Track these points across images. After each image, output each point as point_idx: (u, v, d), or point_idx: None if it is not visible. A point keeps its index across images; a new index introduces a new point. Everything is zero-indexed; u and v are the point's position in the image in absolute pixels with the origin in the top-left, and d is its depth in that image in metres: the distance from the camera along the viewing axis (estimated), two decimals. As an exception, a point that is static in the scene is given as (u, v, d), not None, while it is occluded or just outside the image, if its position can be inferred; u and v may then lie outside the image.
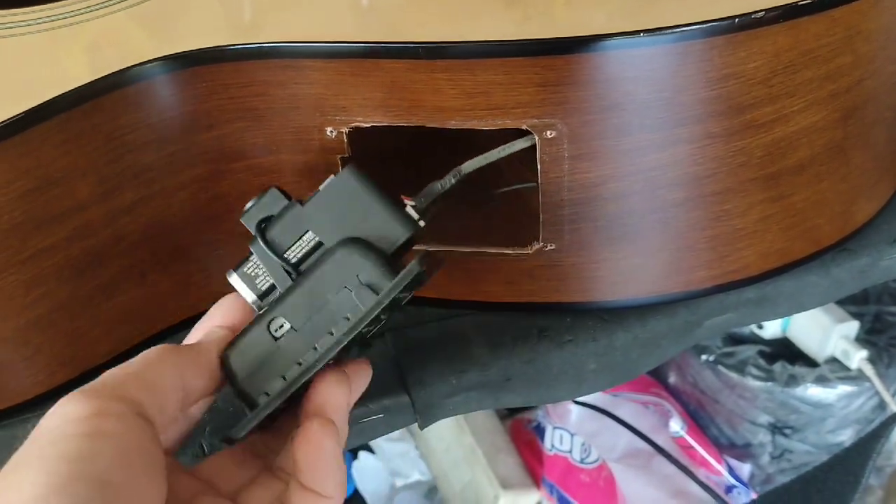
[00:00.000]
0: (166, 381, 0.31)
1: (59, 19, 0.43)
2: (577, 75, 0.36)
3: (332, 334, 0.34)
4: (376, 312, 0.33)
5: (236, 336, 0.35)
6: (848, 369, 0.82)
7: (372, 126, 0.39)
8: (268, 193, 0.37)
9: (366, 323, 0.34)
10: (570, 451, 0.90)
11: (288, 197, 0.37)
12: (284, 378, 0.34)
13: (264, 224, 0.36)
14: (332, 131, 0.40)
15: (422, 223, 0.36)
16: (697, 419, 0.92)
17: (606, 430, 0.92)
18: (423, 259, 0.33)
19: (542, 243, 0.42)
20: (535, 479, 0.96)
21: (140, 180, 0.40)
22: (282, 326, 0.34)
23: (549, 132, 0.38)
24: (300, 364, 0.34)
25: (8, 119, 0.35)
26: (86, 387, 0.30)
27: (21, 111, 0.36)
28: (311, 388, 0.33)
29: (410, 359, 0.43)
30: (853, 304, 0.86)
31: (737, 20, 0.35)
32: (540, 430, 0.96)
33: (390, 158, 0.43)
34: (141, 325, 0.44)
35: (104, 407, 0.28)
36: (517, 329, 0.45)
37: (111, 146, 0.39)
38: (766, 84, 0.38)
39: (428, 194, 0.38)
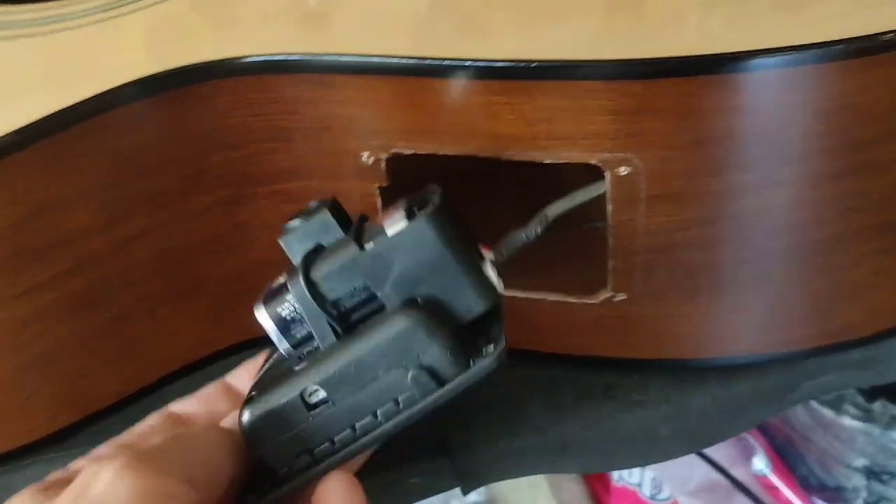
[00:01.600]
0: (224, 470, 0.29)
1: (48, 23, 0.40)
2: (659, 103, 0.31)
3: (375, 417, 0.30)
4: (433, 407, 0.29)
5: (261, 393, 0.30)
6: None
7: (414, 154, 0.35)
8: (318, 215, 0.31)
9: (418, 417, 0.29)
10: (640, 486, 0.85)
11: (342, 223, 0.31)
12: (313, 455, 0.30)
13: (311, 258, 0.31)
14: (368, 157, 0.36)
15: (501, 289, 0.31)
16: (785, 457, 0.86)
17: (681, 460, 0.87)
18: (500, 355, 0.29)
19: (610, 292, 0.37)
20: (601, 510, 0.92)
21: (151, 205, 0.37)
22: (318, 392, 0.29)
23: (622, 168, 0.33)
24: (333, 444, 0.30)
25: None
26: (147, 457, 0.26)
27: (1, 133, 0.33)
28: (320, 490, 0.29)
29: (454, 417, 0.39)
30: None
31: (860, 43, 0.30)
32: (606, 458, 0.92)
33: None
34: (153, 363, 0.41)
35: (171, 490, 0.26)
36: (578, 386, 0.41)
37: (116, 168, 0.35)
38: (889, 118, 0.32)
39: (510, 245, 0.32)
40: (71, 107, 0.34)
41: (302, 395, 0.29)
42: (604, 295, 0.37)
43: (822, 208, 0.34)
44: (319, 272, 0.30)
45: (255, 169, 0.38)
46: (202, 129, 0.36)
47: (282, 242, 0.31)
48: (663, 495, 0.82)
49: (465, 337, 0.30)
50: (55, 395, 0.39)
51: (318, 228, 0.31)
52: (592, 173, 0.34)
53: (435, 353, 0.29)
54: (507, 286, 0.38)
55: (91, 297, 0.37)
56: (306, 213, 0.31)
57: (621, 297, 0.37)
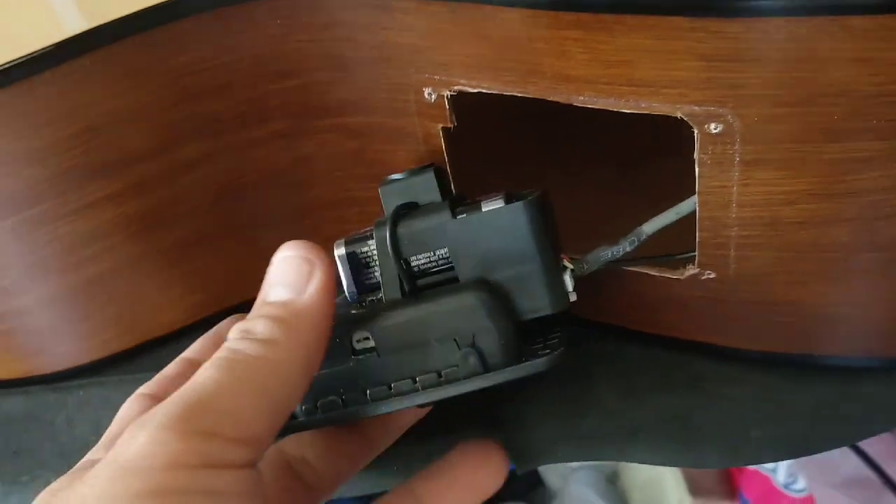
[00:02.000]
0: (294, 399, 0.26)
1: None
2: (763, 48, 0.26)
3: (414, 382, 0.29)
4: (472, 389, 0.29)
5: None
6: None
7: (479, 91, 0.31)
8: (423, 174, 0.31)
9: (455, 394, 0.29)
10: (775, 472, 0.78)
11: (443, 188, 0.31)
12: (342, 399, 0.30)
13: (402, 211, 0.31)
14: (430, 93, 0.32)
15: (573, 298, 0.30)
16: (950, 460, 0.76)
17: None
18: (552, 360, 0.28)
19: (697, 269, 0.32)
20: (733, 491, 0.85)
21: (206, 132, 0.35)
22: (367, 339, 0.29)
23: (713, 125, 0.28)
24: (366, 394, 0.30)
25: (39, 51, 0.31)
26: (187, 417, 0.23)
27: (53, 43, 0.31)
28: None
29: (511, 392, 0.36)
30: None
31: None
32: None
33: (500, 132, 0.35)
34: (212, 296, 0.40)
35: (218, 456, 0.23)
36: (661, 371, 0.36)
37: (168, 90, 0.34)
38: None
39: (594, 261, 0.31)
40: (136, 13, 0.32)
41: (351, 337, 0.29)
42: (691, 271, 0.32)
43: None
44: (407, 227, 0.30)
45: (313, 100, 0.35)
46: (255, 53, 0.33)
47: (381, 190, 0.31)
48: (799, 486, 0.75)
49: (524, 332, 0.30)
50: (110, 317, 0.38)
51: (419, 187, 0.31)
52: (684, 131, 0.29)
53: (490, 338, 0.28)
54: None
55: (148, 221, 0.36)
56: (411, 171, 0.31)
57: (710, 275, 0.32)
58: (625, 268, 0.33)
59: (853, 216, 0.29)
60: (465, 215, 0.29)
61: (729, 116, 0.27)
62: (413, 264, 0.30)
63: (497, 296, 0.29)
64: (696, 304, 0.33)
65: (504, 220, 0.29)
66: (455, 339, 0.29)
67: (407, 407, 0.29)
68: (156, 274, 0.38)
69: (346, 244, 0.31)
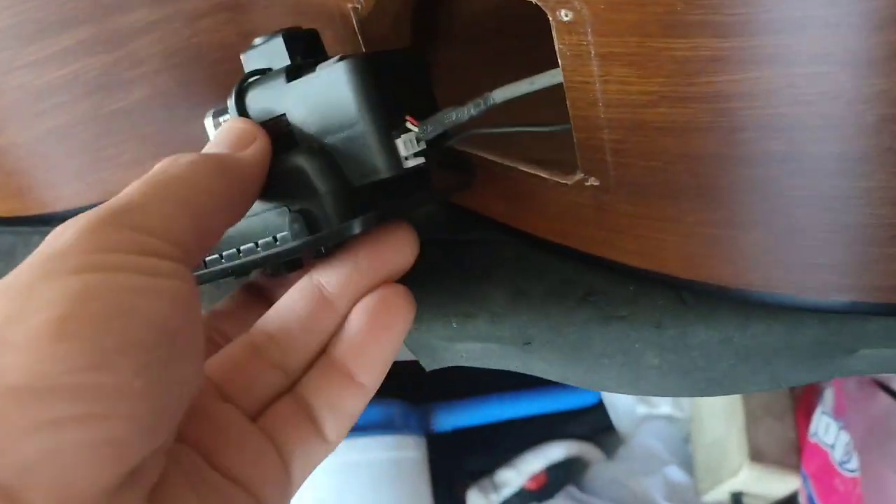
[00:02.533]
0: (215, 220, 0.27)
1: None
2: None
3: (257, 246, 0.31)
4: (298, 250, 0.30)
5: None
6: None
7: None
8: (274, 39, 0.32)
9: (289, 256, 0.30)
10: (833, 448, 0.73)
11: (294, 52, 0.32)
12: (239, 252, 0.31)
13: (251, 79, 0.32)
14: (337, -31, 0.32)
15: (412, 163, 0.30)
16: None
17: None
18: (367, 220, 0.29)
19: (581, 174, 0.31)
20: (796, 463, 0.81)
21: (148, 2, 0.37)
22: None
23: (564, 12, 0.26)
24: (221, 258, 0.32)
25: None
26: (116, 214, 0.24)
27: None
28: (372, 242, 0.31)
29: (403, 280, 0.36)
30: None
31: None
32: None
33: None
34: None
35: (150, 246, 0.24)
36: (554, 280, 0.35)
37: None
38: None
39: (437, 122, 0.31)
40: None
41: None
42: (576, 176, 0.31)
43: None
44: (253, 93, 0.32)
45: (248, -28, 0.36)
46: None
47: (242, 57, 0.33)
48: (852, 465, 0.71)
49: (355, 197, 0.30)
50: (73, 171, 0.41)
51: (272, 52, 0.32)
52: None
53: (318, 203, 0.29)
54: (485, 147, 0.34)
55: (102, 82, 0.39)
56: (267, 37, 0.32)
57: (594, 182, 0.31)
58: (521, 168, 0.33)
59: (712, 125, 0.27)
60: (298, 79, 0.30)
61: (576, 3, 0.26)
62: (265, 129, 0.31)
63: (324, 159, 0.29)
64: (587, 214, 0.32)
65: (330, 80, 0.29)
66: (287, 205, 0.29)
67: (254, 267, 0.31)
68: (113, 133, 0.41)
69: (213, 115, 0.33)
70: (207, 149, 0.30)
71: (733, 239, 0.30)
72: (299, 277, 0.32)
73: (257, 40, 0.32)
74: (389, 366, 0.31)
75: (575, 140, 0.30)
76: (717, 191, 0.29)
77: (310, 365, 0.31)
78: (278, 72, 0.31)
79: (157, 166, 0.27)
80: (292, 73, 0.30)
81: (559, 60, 0.28)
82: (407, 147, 0.30)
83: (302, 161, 0.29)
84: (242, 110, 0.32)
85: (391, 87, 0.30)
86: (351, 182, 0.30)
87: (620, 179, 0.30)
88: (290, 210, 0.30)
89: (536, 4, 0.27)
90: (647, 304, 0.34)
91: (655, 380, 0.35)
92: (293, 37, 0.32)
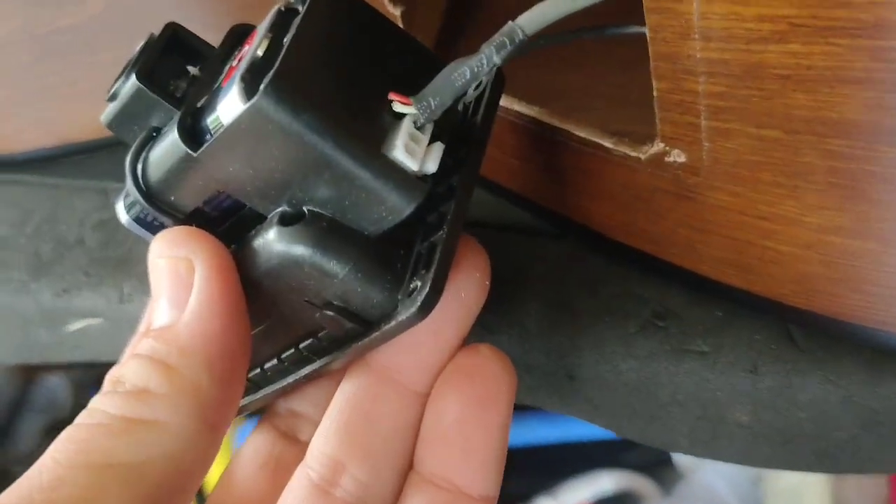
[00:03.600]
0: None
1: None
2: None
3: (300, 351, 0.24)
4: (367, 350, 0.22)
5: None
6: None
7: None
8: (127, 82, 0.22)
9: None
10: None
11: (166, 82, 0.22)
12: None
13: (138, 155, 0.22)
14: None
15: (432, 164, 0.21)
16: None
17: None
18: (431, 296, 0.20)
19: (661, 144, 0.22)
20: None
21: None
22: None
23: None
24: (265, 372, 0.25)
25: None
26: None
27: None
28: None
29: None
30: None
31: None
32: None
33: None
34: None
35: None
36: (612, 295, 0.26)
37: None
38: None
39: (441, 91, 0.21)
40: None
41: None
42: (653, 149, 0.22)
43: None
44: (154, 177, 0.22)
45: None
46: None
47: (105, 124, 0.23)
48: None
49: (383, 253, 0.21)
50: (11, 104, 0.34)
51: (140, 108, 0.22)
52: None
53: (340, 288, 0.21)
54: (521, 95, 0.25)
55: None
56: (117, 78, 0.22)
57: (678, 157, 0.22)
58: (573, 132, 0.24)
59: (869, 75, 0.17)
60: (207, 144, 0.20)
61: None
62: (203, 210, 0.22)
63: (316, 228, 0.20)
64: (664, 201, 0.23)
65: (257, 126, 0.19)
66: (307, 300, 0.21)
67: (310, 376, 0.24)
68: (54, 58, 0.33)
69: (126, 209, 0.23)
70: (152, 304, 0.22)
71: (875, 257, 0.21)
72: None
73: (113, 87, 0.22)
74: (504, 463, 0.23)
75: (655, 94, 0.21)
76: (862, 181, 0.19)
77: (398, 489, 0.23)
78: (169, 131, 0.21)
79: (93, 401, 0.20)
80: (190, 134, 0.21)
81: (638, -28, 0.19)
82: (411, 150, 0.20)
83: (283, 245, 0.20)
84: (161, 209, 0.22)
85: (342, 76, 0.20)
86: (367, 235, 0.21)
87: (718, 155, 0.21)
88: (311, 303, 0.22)
89: None
90: (738, 337, 0.24)
91: (742, 444, 0.25)
92: (152, 69, 0.22)
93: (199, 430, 0.20)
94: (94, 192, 0.34)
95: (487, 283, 0.23)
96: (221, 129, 0.20)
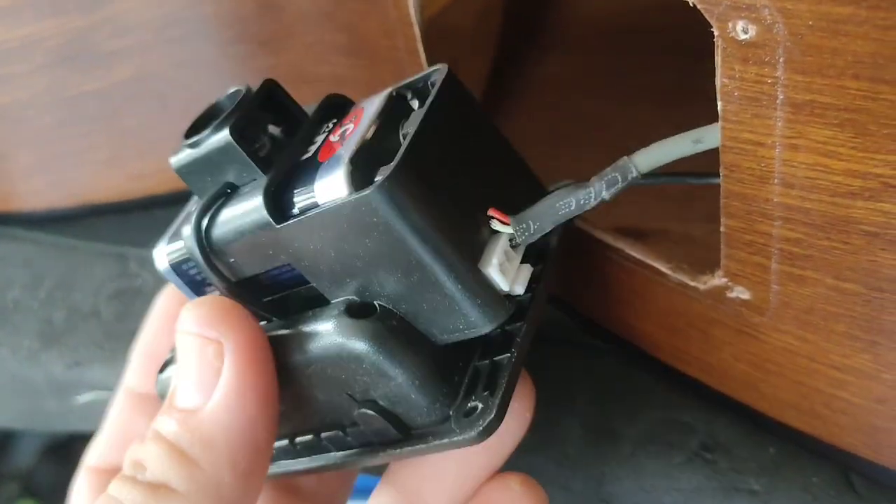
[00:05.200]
0: None
1: None
2: None
3: (318, 438, 0.22)
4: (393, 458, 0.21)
5: None
6: None
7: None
8: (220, 132, 0.20)
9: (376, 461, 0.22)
10: None
11: (254, 141, 0.21)
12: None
13: (211, 209, 0.21)
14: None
15: (520, 287, 0.20)
16: None
17: None
18: (490, 425, 0.19)
19: (723, 279, 0.21)
20: None
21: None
22: None
23: (741, 25, 0.16)
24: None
25: None
26: None
27: None
28: None
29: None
30: None
31: None
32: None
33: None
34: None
35: None
36: (658, 421, 0.25)
37: None
38: None
39: (543, 216, 0.20)
40: None
41: None
42: (713, 281, 0.21)
43: None
44: (219, 235, 0.21)
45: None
46: None
47: (173, 163, 0.21)
48: None
49: (444, 363, 0.20)
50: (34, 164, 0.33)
51: (223, 157, 0.20)
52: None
53: (391, 391, 0.20)
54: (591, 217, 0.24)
55: (74, 50, 0.30)
56: (206, 124, 0.21)
57: (741, 294, 0.20)
58: (629, 253, 0.22)
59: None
60: (293, 218, 0.19)
61: (766, 11, 0.16)
62: (258, 281, 0.21)
63: (385, 324, 0.19)
64: (721, 334, 0.22)
65: (361, 215, 0.18)
66: (348, 394, 0.20)
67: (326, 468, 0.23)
68: (80, 122, 0.32)
69: (168, 254, 0.22)
70: (176, 382, 0.21)
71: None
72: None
73: (194, 138, 0.21)
74: None
75: (722, 229, 0.20)
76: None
77: None
78: (250, 195, 0.20)
79: (114, 489, 0.20)
80: (275, 203, 0.20)
81: (719, 103, 0.18)
82: (504, 269, 0.19)
83: (346, 337, 0.19)
84: (214, 266, 0.21)
85: (452, 181, 0.19)
86: (435, 342, 0.20)
87: (788, 300, 0.20)
88: (352, 397, 0.21)
89: (693, 7, 0.17)
90: (793, 478, 0.23)
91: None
92: (245, 125, 0.20)
93: None
94: (111, 257, 0.33)
95: (529, 415, 0.21)
96: (316, 210, 0.19)
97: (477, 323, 0.19)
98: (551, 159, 0.24)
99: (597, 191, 0.19)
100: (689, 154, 0.19)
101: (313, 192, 0.19)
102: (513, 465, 0.25)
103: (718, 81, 0.17)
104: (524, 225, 0.20)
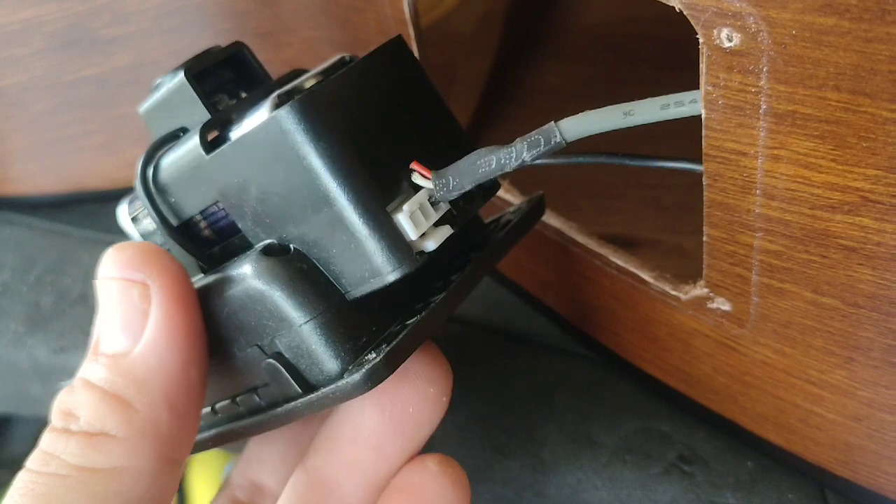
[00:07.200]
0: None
1: None
2: None
3: (235, 403, 0.22)
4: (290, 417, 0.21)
5: None
6: None
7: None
8: (176, 75, 0.22)
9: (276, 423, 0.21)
10: None
11: (217, 89, 0.22)
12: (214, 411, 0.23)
13: (159, 152, 0.22)
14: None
15: (433, 243, 0.20)
16: None
17: None
18: (380, 369, 0.18)
19: (704, 289, 0.21)
20: None
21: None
22: None
23: (725, 33, 0.16)
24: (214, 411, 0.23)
25: None
26: None
27: None
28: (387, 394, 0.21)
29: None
30: None
31: None
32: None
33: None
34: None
35: None
36: (637, 431, 0.25)
37: None
38: None
39: (465, 174, 0.20)
40: None
41: None
42: (694, 291, 0.21)
43: None
44: (167, 175, 0.22)
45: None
46: None
47: (141, 113, 0.23)
48: None
49: (355, 318, 0.20)
50: (29, 148, 0.33)
51: (181, 103, 0.22)
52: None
53: (294, 339, 0.20)
54: (566, 214, 0.24)
55: (73, 36, 0.30)
56: (167, 77, 0.22)
57: (721, 305, 0.20)
58: (612, 260, 0.22)
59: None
60: (220, 147, 0.20)
61: (751, 20, 0.16)
62: (193, 225, 0.22)
63: (293, 266, 0.19)
64: (702, 345, 0.22)
65: (267, 142, 0.19)
66: (258, 346, 0.20)
67: (238, 436, 0.22)
68: (76, 108, 0.32)
69: (129, 203, 0.23)
70: (100, 326, 0.20)
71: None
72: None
73: (159, 80, 0.23)
74: None
75: (705, 239, 0.20)
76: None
77: None
78: (190, 135, 0.21)
79: (44, 444, 0.19)
80: (209, 138, 0.21)
81: (703, 110, 0.18)
82: (416, 221, 0.19)
83: (254, 274, 0.19)
84: (156, 205, 0.22)
85: (373, 127, 0.20)
86: (343, 293, 0.20)
87: (767, 313, 0.20)
88: (261, 349, 0.20)
89: (680, 13, 0.17)
90: (769, 494, 0.23)
91: None
92: (203, 71, 0.22)
93: (160, 469, 0.19)
94: (103, 245, 0.33)
95: (446, 400, 0.21)
96: (238, 136, 0.19)
97: (381, 269, 0.19)
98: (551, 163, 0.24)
99: (518, 151, 0.19)
100: (618, 127, 0.18)
101: (242, 125, 0.20)
102: (486, 467, 0.25)
103: (702, 90, 0.17)
104: (444, 180, 0.20)
